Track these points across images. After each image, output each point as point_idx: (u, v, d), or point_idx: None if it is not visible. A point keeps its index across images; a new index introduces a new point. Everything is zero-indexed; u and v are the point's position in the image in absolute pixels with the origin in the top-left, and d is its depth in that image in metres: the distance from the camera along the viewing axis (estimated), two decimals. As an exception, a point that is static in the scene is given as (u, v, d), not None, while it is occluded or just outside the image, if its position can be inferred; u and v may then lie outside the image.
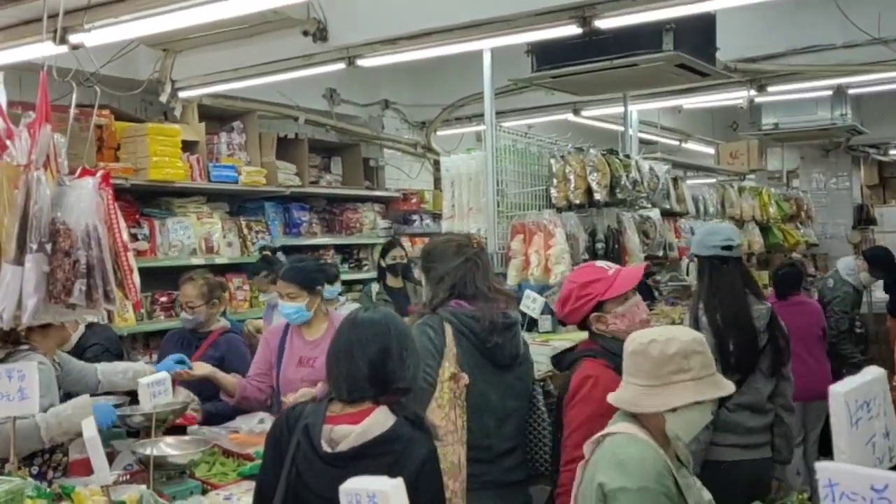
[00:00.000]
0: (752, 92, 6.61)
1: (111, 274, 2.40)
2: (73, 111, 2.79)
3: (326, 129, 7.35)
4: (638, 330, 2.66)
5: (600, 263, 2.93)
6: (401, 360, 2.18)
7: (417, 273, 6.28)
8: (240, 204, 6.58)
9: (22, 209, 2.27)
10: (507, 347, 2.88)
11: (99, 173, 2.53)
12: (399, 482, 1.32)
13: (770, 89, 6.63)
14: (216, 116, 6.36)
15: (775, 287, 5.76)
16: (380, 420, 2.12)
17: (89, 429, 2.56)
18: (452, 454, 2.70)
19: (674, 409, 2.25)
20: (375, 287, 6.25)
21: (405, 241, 7.89)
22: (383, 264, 6.15)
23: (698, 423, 2.31)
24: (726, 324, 3.49)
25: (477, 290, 2.89)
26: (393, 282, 6.05)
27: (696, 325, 3.49)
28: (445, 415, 2.72)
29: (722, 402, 2.45)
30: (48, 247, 2.27)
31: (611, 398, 2.35)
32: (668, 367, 2.26)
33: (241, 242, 6.24)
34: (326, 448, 2.11)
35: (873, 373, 1.53)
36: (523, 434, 2.97)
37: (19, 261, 2.26)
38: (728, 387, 2.33)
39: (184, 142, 5.73)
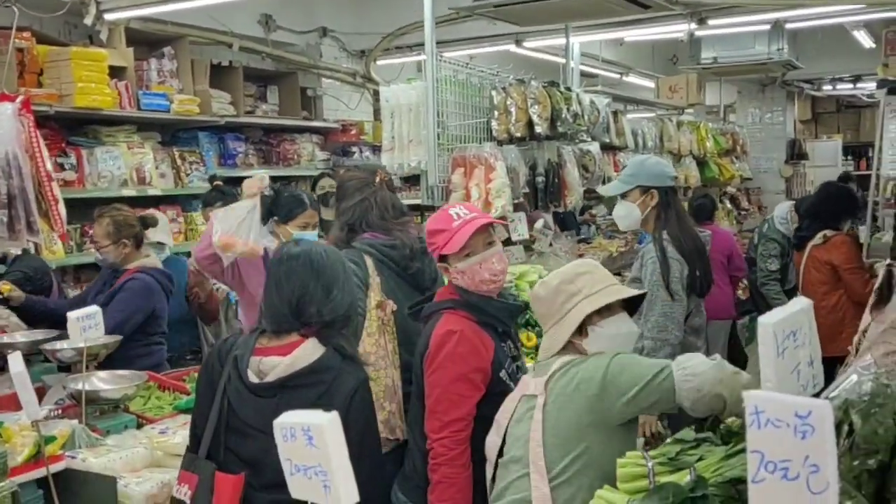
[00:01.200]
0: (693, 25, 6.62)
1: (34, 204, 2.31)
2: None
3: (262, 56, 7.12)
4: (486, 288, 2.58)
5: (454, 210, 2.67)
6: (324, 293, 2.21)
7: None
8: (172, 133, 6.38)
9: (-66, 136, 2.15)
10: (427, 271, 2.99)
11: (18, 99, 2.40)
12: (334, 416, 1.31)
13: (710, 22, 6.65)
14: (145, 41, 6.09)
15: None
16: (308, 351, 2.16)
17: (16, 364, 2.49)
18: (386, 377, 2.83)
19: (582, 331, 2.27)
20: None
21: (344, 174, 7.80)
22: (314, 196, 6.04)
23: (621, 336, 2.32)
24: (691, 251, 3.46)
25: (379, 225, 2.98)
26: (325, 213, 5.93)
27: (663, 255, 3.40)
28: (375, 341, 2.83)
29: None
30: (-35, 176, 2.16)
31: (539, 356, 2.34)
32: (559, 298, 2.30)
33: (175, 173, 6.07)
34: (254, 379, 2.14)
35: (801, 303, 1.57)
36: None
37: (-67, 190, 2.15)
38: (627, 291, 2.36)
39: (111, 67, 5.48)
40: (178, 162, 6.10)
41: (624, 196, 3.63)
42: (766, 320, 1.45)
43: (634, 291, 2.39)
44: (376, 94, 7.99)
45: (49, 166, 2.50)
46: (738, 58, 8.82)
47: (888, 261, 3.12)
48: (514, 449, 2.24)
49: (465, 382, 2.45)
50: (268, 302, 2.24)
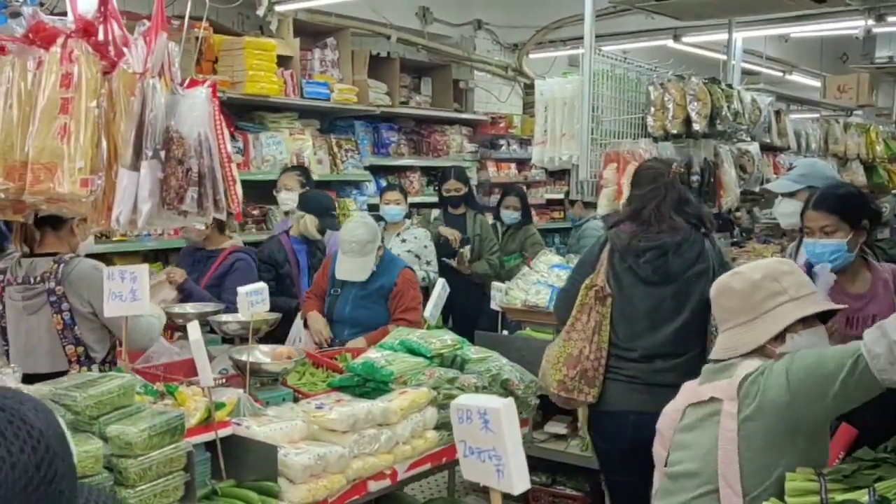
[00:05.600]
0: (870, 21, 6.21)
1: (220, 183, 2.46)
2: (187, 21, 2.81)
3: (418, 48, 7.27)
4: None
5: None
6: None
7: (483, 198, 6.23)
8: (331, 121, 6.62)
9: (138, 116, 2.32)
10: (647, 268, 3.13)
11: (208, 83, 2.56)
12: (510, 401, 1.33)
13: (890, 19, 6.21)
14: (310, 32, 6.35)
15: None
16: None
17: (194, 332, 2.66)
18: (573, 347, 3.17)
19: (780, 338, 2.07)
20: (436, 212, 6.20)
21: (491, 166, 7.84)
22: (444, 193, 6.00)
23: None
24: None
25: (650, 217, 3.18)
26: (453, 210, 5.97)
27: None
28: (576, 316, 3.18)
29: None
30: (162, 154, 2.32)
31: (714, 354, 2.19)
32: (758, 294, 2.10)
33: (331, 160, 6.30)
34: None
35: None
36: (686, 343, 3.09)
37: (135, 166, 2.32)
38: (829, 304, 2.17)
39: (278, 56, 5.75)
40: (335, 149, 6.33)
41: (790, 195, 3.63)
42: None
43: (835, 305, 2.20)
44: (527, 87, 8.00)
45: (229, 148, 2.65)
46: (917, 57, 8.21)
47: None
48: (689, 461, 2.09)
49: None
50: None
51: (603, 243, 3.26)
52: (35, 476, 0.77)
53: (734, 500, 1.96)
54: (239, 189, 2.78)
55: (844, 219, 2.83)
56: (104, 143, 2.34)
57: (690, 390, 2.19)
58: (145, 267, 2.65)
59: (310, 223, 4.74)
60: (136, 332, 3.07)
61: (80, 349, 3.07)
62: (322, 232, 4.84)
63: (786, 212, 3.69)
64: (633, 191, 3.39)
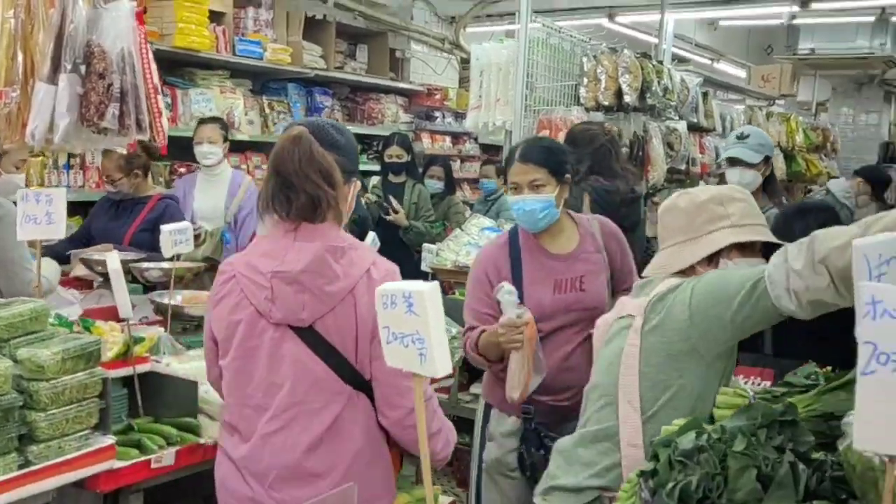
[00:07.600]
0: (795, 7, 6.43)
1: (143, 102, 2.38)
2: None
3: (355, 14, 7.19)
4: None
5: None
6: None
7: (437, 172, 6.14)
8: (263, 83, 6.50)
9: (57, 28, 2.23)
10: (631, 216, 3.55)
11: (133, 3, 2.48)
12: (435, 285, 1.33)
13: (814, 6, 6.44)
14: (244, -10, 6.22)
15: None
16: None
17: (114, 262, 2.58)
18: None
19: (714, 262, 2.01)
20: (374, 179, 5.95)
21: (426, 138, 7.82)
22: (385, 159, 5.79)
23: None
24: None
25: (611, 170, 3.52)
26: (394, 177, 5.77)
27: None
28: None
29: None
30: (82, 68, 2.24)
31: (647, 270, 2.12)
32: (702, 216, 2.02)
33: (263, 121, 6.19)
34: None
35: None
36: None
37: (53, 80, 2.23)
38: (772, 237, 2.05)
39: (211, 12, 5.61)
40: (267, 110, 6.22)
41: (750, 165, 3.60)
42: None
43: (776, 239, 2.06)
44: (464, 61, 8.01)
45: (156, 80, 2.57)
46: (837, 50, 8.52)
47: None
48: (598, 374, 2.06)
49: None
50: None
51: (581, 196, 3.43)
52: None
53: (632, 415, 1.93)
54: (165, 122, 2.73)
55: (553, 172, 2.66)
56: (20, 56, 2.25)
57: (620, 303, 2.15)
58: (62, 190, 2.56)
59: None
60: (15, 280, 2.89)
61: None
62: None
63: (747, 181, 3.53)
64: (579, 150, 3.52)
